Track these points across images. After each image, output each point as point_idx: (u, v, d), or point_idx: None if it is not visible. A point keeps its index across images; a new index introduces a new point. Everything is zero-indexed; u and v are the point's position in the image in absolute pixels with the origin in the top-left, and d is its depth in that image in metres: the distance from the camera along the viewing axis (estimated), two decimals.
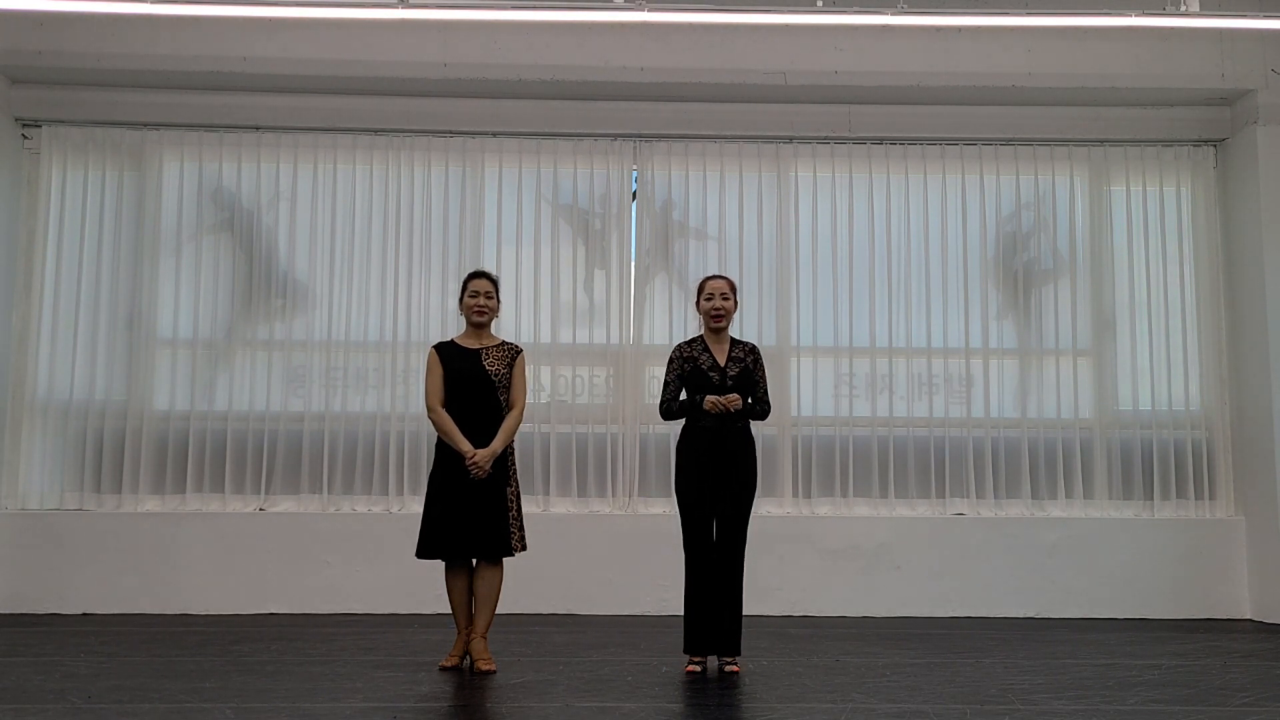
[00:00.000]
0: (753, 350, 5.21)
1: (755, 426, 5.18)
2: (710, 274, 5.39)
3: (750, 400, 5.13)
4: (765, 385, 5.21)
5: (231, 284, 7.44)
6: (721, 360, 5.10)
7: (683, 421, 5.14)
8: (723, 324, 5.14)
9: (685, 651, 5.00)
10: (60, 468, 7.22)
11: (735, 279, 7.36)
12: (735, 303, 5.20)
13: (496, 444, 4.98)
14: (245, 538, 7.05)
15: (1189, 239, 7.66)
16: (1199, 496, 7.44)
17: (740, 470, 5.02)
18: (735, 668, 4.94)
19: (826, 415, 7.45)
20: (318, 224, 7.49)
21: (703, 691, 4.57)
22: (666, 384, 5.16)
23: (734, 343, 5.19)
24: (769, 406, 5.22)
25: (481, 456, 4.93)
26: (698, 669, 4.92)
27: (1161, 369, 7.53)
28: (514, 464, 5.13)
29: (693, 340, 5.22)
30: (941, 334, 7.53)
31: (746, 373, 5.10)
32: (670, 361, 5.18)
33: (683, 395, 5.11)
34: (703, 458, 5.00)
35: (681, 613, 5.03)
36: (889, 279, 7.56)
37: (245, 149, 7.50)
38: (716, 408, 4.95)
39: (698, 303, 5.23)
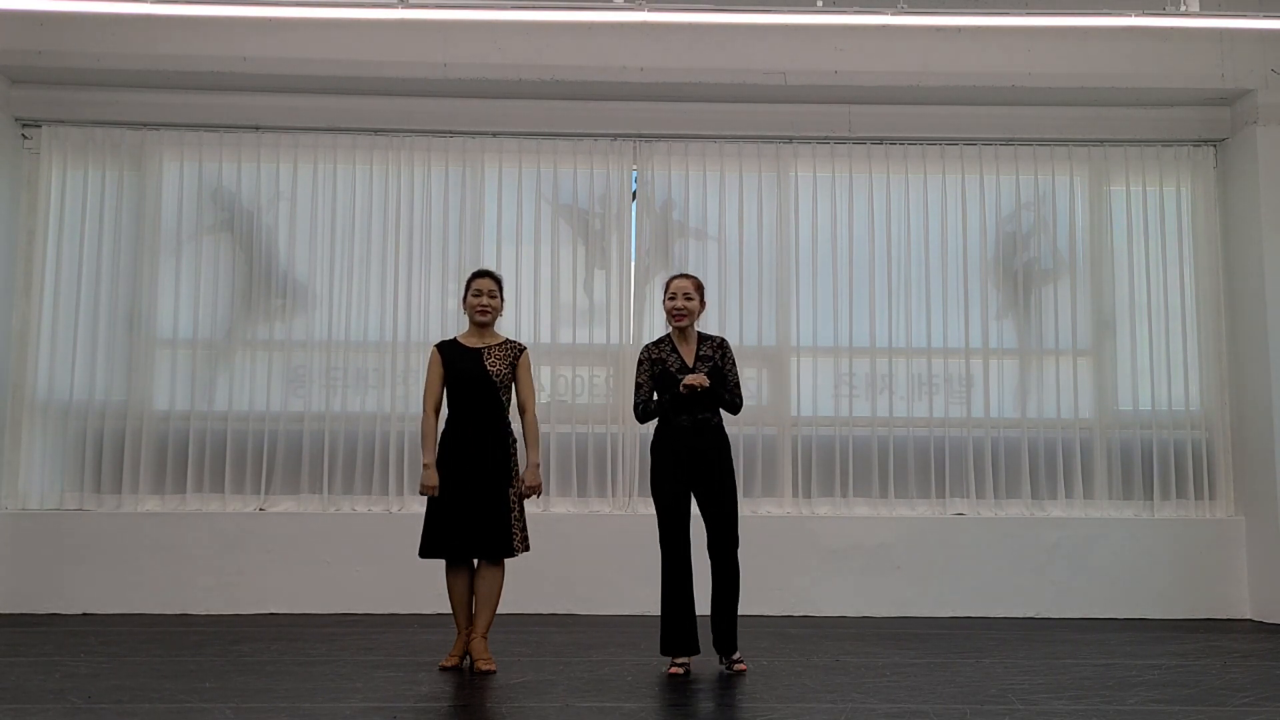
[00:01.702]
0: (721, 345, 5.16)
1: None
2: (677, 273, 5.36)
3: (722, 392, 5.08)
4: (736, 378, 5.17)
5: (231, 284, 7.44)
6: (690, 360, 5.06)
7: (656, 421, 5.11)
8: (685, 323, 5.08)
9: (663, 653, 4.96)
10: (60, 468, 7.23)
11: (735, 279, 7.47)
12: (702, 302, 5.14)
13: (533, 456, 5.10)
14: (245, 538, 7.05)
15: (1189, 239, 7.67)
16: (1199, 496, 7.44)
17: (717, 470, 5.00)
18: (743, 666, 4.95)
19: (826, 415, 7.44)
20: (318, 224, 7.50)
21: (703, 691, 4.57)
22: (638, 386, 5.11)
23: (701, 339, 5.14)
24: (741, 399, 5.18)
25: (530, 478, 5.07)
26: (680, 671, 4.87)
27: (1161, 369, 7.54)
28: (516, 465, 5.13)
29: (660, 341, 5.17)
30: (941, 334, 7.53)
31: (715, 370, 5.06)
32: (640, 363, 5.14)
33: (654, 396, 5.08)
34: (679, 457, 4.98)
35: None
36: (889, 279, 7.56)
37: (245, 149, 7.50)
38: (690, 389, 4.88)
39: (664, 301, 5.18)
